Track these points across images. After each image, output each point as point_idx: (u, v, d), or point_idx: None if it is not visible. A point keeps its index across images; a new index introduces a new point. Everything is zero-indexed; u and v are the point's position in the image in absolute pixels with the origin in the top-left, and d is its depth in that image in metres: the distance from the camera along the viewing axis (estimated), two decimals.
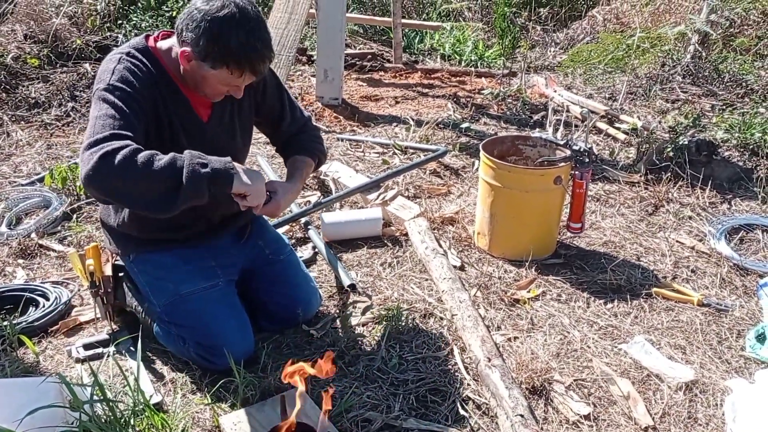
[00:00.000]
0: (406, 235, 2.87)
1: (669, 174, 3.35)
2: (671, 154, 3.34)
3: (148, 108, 1.81)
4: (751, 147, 3.53)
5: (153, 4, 4.80)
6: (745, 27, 5.74)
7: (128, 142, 1.66)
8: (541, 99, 4.76)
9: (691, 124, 3.43)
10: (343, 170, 3.40)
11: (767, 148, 3.47)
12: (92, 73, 4.46)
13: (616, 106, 4.51)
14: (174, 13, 4.66)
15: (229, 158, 1.78)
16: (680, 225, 3.05)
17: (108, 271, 2.16)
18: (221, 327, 2.01)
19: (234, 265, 2.17)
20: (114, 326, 2.21)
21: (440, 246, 2.73)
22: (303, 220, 2.92)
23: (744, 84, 4.71)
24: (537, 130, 3.07)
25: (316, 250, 2.75)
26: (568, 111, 4.39)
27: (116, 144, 1.64)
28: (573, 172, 2.67)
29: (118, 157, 1.61)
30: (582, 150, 2.68)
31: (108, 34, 4.87)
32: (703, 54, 4.91)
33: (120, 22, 4.89)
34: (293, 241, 2.86)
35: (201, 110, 1.97)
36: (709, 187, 3.28)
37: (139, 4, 4.87)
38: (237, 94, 1.88)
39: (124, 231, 2.07)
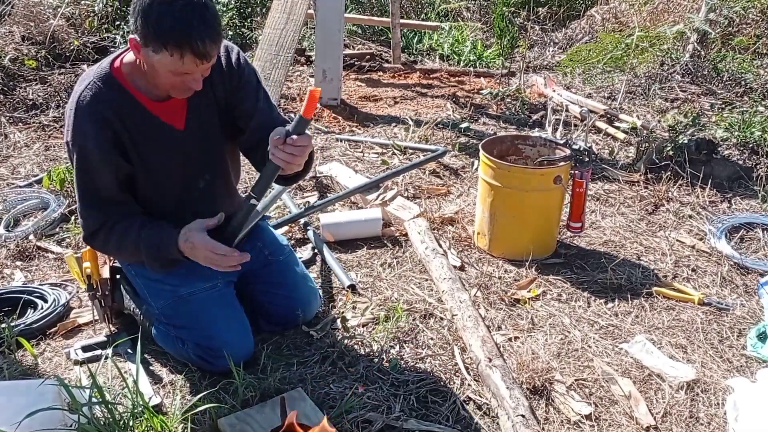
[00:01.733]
0: (406, 235, 2.86)
1: (669, 173, 3.34)
2: (671, 153, 3.33)
3: (111, 152, 1.84)
4: (750, 146, 3.52)
5: None
6: (744, 26, 5.73)
7: (99, 221, 1.89)
8: (540, 99, 4.75)
9: (690, 123, 3.43)
10: (342, 170, 3.39)
11: (767, 147, 3.46)
12: None
13: (616, 106, 4.50)
14: None
15: (175, 234, 1.86)
16: (680, 224, 3.04)
17: (105, 273, 2.15)
18: (221, 328, 2.00)
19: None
20: (112, 328, 2.20)
21: (440, 246, 2.72)
22: (302, 220, 2.91)
23: (743, 83, 4.70)
24: (536, 129, 3.06)
25: (316, 250, 2.75)
26: (567, 110, 4.38)
27: (93, 225, 1.90)
28: (573, 171, 2.66)
29: (98, 241, 1.93)
30: (582, 149, 2.67)
31: (106, 35, 4.87)
32: (702, 53, 4.90)
33: (118, 23, 4.88)
34: (293, 241, 2.85)
35: (175, 119, 1.92)
36: (709, 185, 3.27)
37: None
38: (194, 85, 1.78)
39: None
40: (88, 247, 2.13)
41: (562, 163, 2.66)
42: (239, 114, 2.01)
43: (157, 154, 1.91)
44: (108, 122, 1.82)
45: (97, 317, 2.21)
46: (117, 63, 1.88)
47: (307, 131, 1.70)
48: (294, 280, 2.24)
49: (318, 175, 3.40)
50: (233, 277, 2.13)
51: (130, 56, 1.86)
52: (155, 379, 2.02)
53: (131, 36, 1.73)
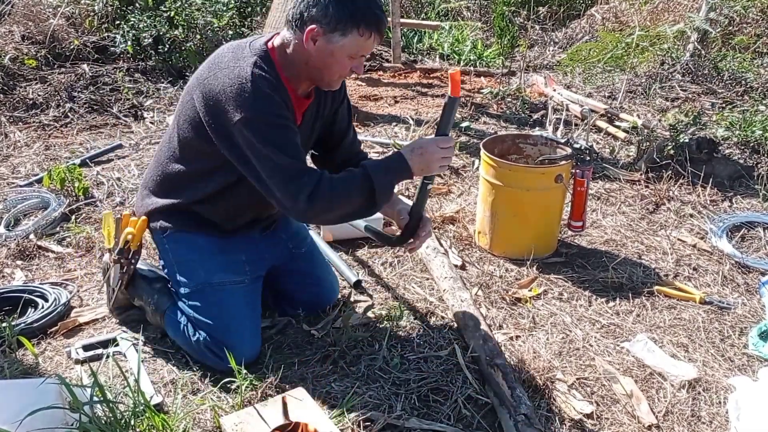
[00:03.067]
0: None
1: (670, 172, 3.34)
2: (672, 152, 3.33)
3: (289, 120, 1.85)
4: (751, 144, 3.52)
5: (151, 5, 4.78)
6: (744, 25, 5.73)
7: (316, 174, 1.82)
8: (541, 98, 4.75)
9: (691, 122, 3.42)
10: None
11: (767, 146, 3.46)
12: (90, 74, 4.45)
13: (616, 105, 4.50)
14: (172, 14, 4.64)
15: (400, 153, 1.92)
16: (681, 223, 3.04)
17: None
18: (238, 327, 2.02)
19: (261, 260, 2.16)
20: (121, 295, 2.20)
21: (441, 245, 2.72)
22: None
23: (743, 82, 4.70)
24: (537, 129, 3.06)
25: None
26: (567, 110, 4.38)
27: (311, 181, 1.80)
28: (574, 170, 2.66)
29: (321, 197, 1.80)
30: (583, 148, 2.67)
31: (106, 34, 4.86)
32: (703, 52, 4.90)
33: (118, 22, 4.87)
34: None
35: (297, 114, 1.96)
36: (710, 184, 3.27)
37: (137, 5, 4.85)
38: (359, 69, 1.88)
39: (179, 207, 2.03)
40: (132, 215, 2.12)
41: (563, 162, 2.66)
42: (336, 130, 2.14)
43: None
44: (278, 94, 1.82)
45: (112, 284, 2.16)
46: (271, 45, 1.87)
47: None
48: (319, 269, 2.32)
49: None
50: (262, 271, 2.16)
51: (276, 40, 1.87)
52: (157, 378, 2.01)
53: (311, 27, 1.77)
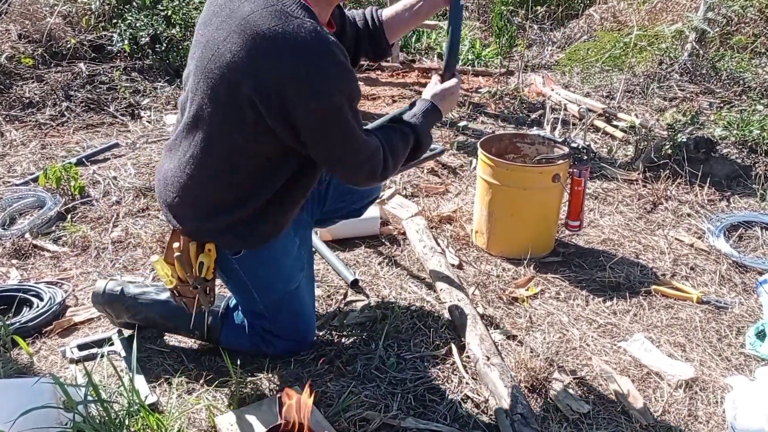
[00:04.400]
0: (404, 234, 2.85)
1: (667, 171, 3.33)
2: (669, 151, 3.33)
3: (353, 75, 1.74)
4: (749, 144, 3.51)
5: (148, 3, 4.76)
6: (743, 25, 5.73)
7: (379, 146, 1.79)
8: (539, 97, 4.74)
9: (689, 122, 3.42)
10: None
11: (766, 145, 3.45)
12: (86, 73, 4.44)
13: (614, 105, 4.49)
14: (169, 12, 4.63)
15: (433, 106, 1.99)
16: (679, 222, 3.03)
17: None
18: (311, 315, 2.12)
19: (307, 228, 2.16)
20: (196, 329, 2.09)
21: (438, 245, 2.71)
22: None
23: (741, 82, 4.70)
24: (535, 128, 3.05)
25: (314, 249, 2.73)
26: (565, 109, 4.37)
27: (380, 157, 1.79)
28: (571, 169, 2.65)
29: (391, 159, 1.82)
30: (580, 147, 2.66)
31: (103, 33, 4.84)
32: (701, 52, 4.90)
33: (115, 21, 4.85)
34: None
35: None
36: (707, 184, 3.26)
37: (134, 3, 4.83)
38: None
39: (251, 221, 1.83)
40: (182, 244, 1.88)
41: (561, 162, 2.65)
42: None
43: None
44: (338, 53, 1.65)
45: (203, 306, 1.97)
46: None
47: None
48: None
49: None
50: (310, 240, 2.20)
51: None
52: (152, 377, 2.01)
53: None
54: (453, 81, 2.04)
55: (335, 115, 1.65)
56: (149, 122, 4.10)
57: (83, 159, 3.50)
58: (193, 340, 2.15)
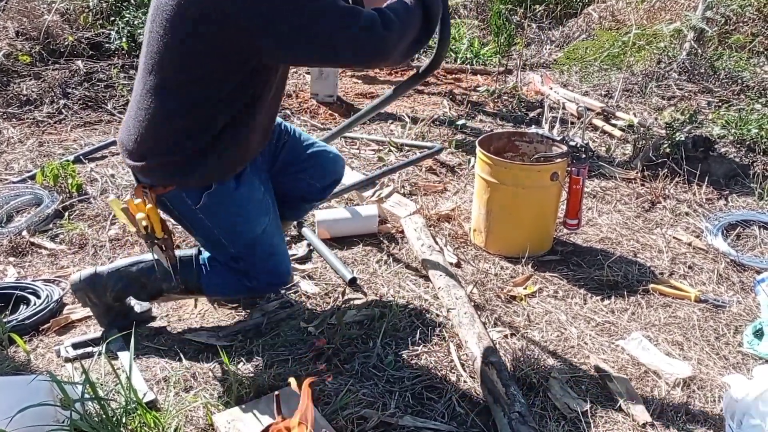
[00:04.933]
0: (402, 232, 2.85)
1: (665, 170, 3.33)
2: (668, 150, 3.33)
3: None
4: (747, 143, 3.52)
5: (146, 0, 4.76)
6: (741, 24, 5.74)
7: (372, 12, 1.69)
8: (537, 96, 4.74)
9: (687, 120, 3.42)
10: None
11: (764, 144, 3.46)
12: (84, 71, 4.43)
13: (612, 103, 4.49)
14: None
15: None
16: (677, 221, 3.03)
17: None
18: (284, 254, 2.13)
19: (266, 171, 2.15)
20: (177, 276, 2.07)
21: (436, 243, 2.71)
22: None
23: (740, 81, 4.70)
24: (533, 127, 3.05)
25: (311, 247, 2.73)
26: (564, 108, 4.38)
27: (373, 13, 1.67)
28: (569, 168, 2.65)
29: (394, 29, 1.68)
30: (578, 146, 2.66)
31: (101, 30, 4.84)
32: (699, 51, 4.90)
33: (113, 18, 4.85)
34: (288, 238, 2.84)
35: None
36: (705, 183, 3.26)
37: (132, 1, 4.83)
38: None
39: (212, 156, 1.85)
40: (138, 200, 1.90)
41: (559, 160, 2.65)
42: None
43: None
44: None
45: (165, 264, 2.01)
46: None
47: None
48: (313, 148, 2.28)
49: None
50: (269, 183, 2.13)
51: None
52: (149, 375, 2.00)
53: None
54: None
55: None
56: None
57: (81, 157, 3.50)
58: (189, 338, 2.15)
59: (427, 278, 2.52)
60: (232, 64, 1.74)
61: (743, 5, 5.37)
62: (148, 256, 2.10)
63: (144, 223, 1.89)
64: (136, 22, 4.63)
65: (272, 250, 2.09)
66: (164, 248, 1.97)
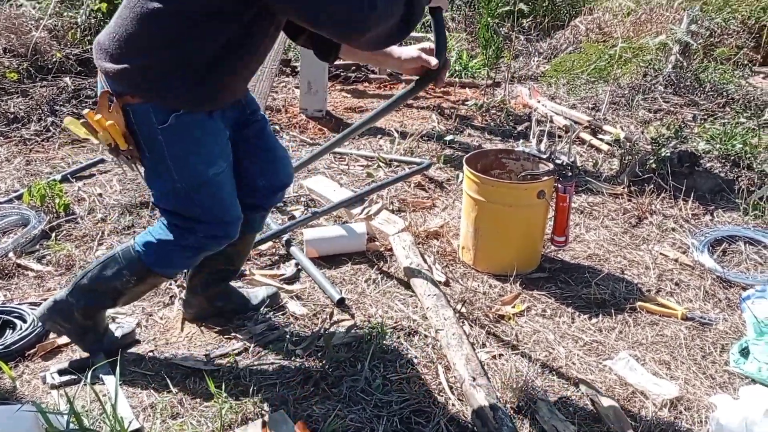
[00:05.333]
0: (391, 250, 2.85)
1: (652, 186, 3.35)
2: (654, 165, 3.35)
3: None
4: (732, 158, 3.54)
5: None
6: (726, 36, 5.80)
7: None
8: (525, 109, 4.77)
9: (673, 136, 3.45)
10: (327, 184, 3.38)
11: (748, 159, 3.49)
12: (72, 87, 4.42)
13: (600, 116, 4.52)
14: None
15: None
16: (664, 237, 3.05)
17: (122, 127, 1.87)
18: (234, 203, 2.02)
19: (228, 139, 2.05)
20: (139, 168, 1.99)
21: (425, 261, 2.72)
22: (284, 237, 2.89)
23: (725, 93, 4.75)
24: (521, 141, 3.07)
25: (300, 267, 2.73)
26: (551, 121, 4.40)
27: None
28: (556, 185, 2.67)
29: (376, 9, 1.66)
30: (565, 163, 2.67)
31: (89, 47, 4.82)
32: (685, 64, 4.94)
33: None
34: (276, 257, 2.83)
35: None
36: (691, 198, 3.29)
37: None
38: None
39: (194, 78, 1.80)
40: (98, 115, 1.84)
41: (546, 178, 2.66)
42: None
43: None
44: None
45: (128, 173, 2.00)
46: None
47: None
48: (274, 143, 2.21)
49: (300, 190, 3.38)
50: (230, 158, 2.05)
51: None
52: (136, 401, 1.99)
53: None
54: None
55: None
56: None
57: (68, 175, 3.48)
58: (176, 363, 2.14)
59: (415, 296, 2.52)
60: None
61: (727, 18, 5.43)
62: (92, 263, 2.09)
63: (107, 140, 1.85)
64: None
65: (219, 196, 1.98)
66: (130, 157, 1.91)
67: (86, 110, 1.85)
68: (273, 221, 2.99)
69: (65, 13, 5.00)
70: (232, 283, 2.44)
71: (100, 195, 3.31)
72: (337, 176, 3.61)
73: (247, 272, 2.68)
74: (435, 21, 2.01)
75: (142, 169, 1.97)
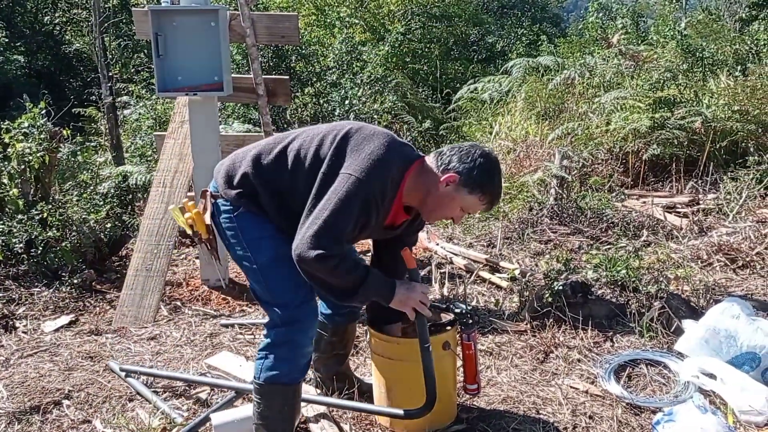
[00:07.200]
0: (305, 422, 2.74)
1: (551, 319, 3.47)
2: (549, 299, 3.49)
3: (372, 209, 2.21)
4: (619, 283, 3.75)
5: (22, 208, 4.66)
6: (596, 165, 6.36)
7: (341, 252, 2.16)
8: (426, 253, 4.91)
9: (563, 268, 3.63)
10: (232, 360, 3.27)
11: (633, 283, 3.70)
12: None
13: (496, 253, 4.73)
14: (45, 215, 4.53)
15: (395, 283, 2.35)
16: (571, 369, 3.12)
17: (207, 220, 2.40)
18: (300, 286, 2.31)
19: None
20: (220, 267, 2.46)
21: (341, 430, 2.62)
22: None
23: (604, 218, 5.11)
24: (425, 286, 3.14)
25: None
26: (451, 263, 4.55)
27: (334, 252, 2.14)
28: (459, 334, 2.70)
29: (327, 264, 2.14)
30: (464, 312, 2.73)
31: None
32: (564, 195, 5.33)
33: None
34: None
35: (390, 216, 2.36)
36: (590, 326, 3.41)
37: (6, 210, 4.71)
38: (458, 220, 2.44)
39: (256, 188, 2.30)
40: (190, 202, 2.53)
41: (448, 328, 2.70)
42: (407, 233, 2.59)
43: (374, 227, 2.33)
44: (387, 189, 2.23)
45: (206, 259, 2.28)
46: (416, 165, 2.31)
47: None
48: None
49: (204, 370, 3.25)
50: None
51: (426, 161, 2.35)
52: None
53: (452, 174, 2.27)
54: (424, 285, 2.46)
55: (343, 190, 2.15)
56: (25, 332, 3.85)
57: None
58: None
59: None
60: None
61: (592, 151, 5.97)
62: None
63: (190, 222, 2.45)
64: (12, 231, 4.49)
65: (288, 275, 2.28)
66: (209, 247, 2.51)
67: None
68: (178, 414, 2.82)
69: None
70: None
71: None
72: (243, 349, 3.51)
73: None
74: (423, 356, 2.46)
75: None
